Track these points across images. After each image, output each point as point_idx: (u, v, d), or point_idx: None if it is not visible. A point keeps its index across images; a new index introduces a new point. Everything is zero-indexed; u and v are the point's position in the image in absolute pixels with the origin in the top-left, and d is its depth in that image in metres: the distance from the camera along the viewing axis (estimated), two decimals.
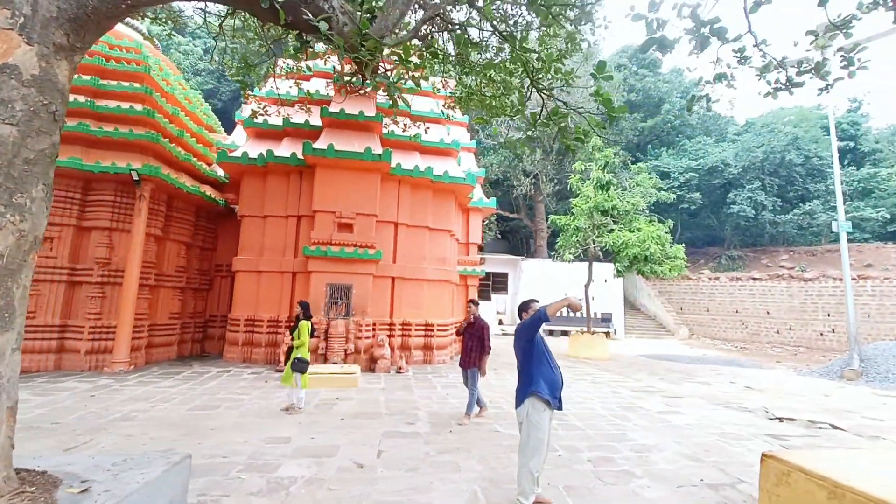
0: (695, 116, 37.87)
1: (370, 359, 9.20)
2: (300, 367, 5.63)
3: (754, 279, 25.69)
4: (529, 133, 6.92)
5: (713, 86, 4.98)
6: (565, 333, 22.48)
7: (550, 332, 22.24)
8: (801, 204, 29.60)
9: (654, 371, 10.74)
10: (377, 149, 9.58)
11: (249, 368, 8.76)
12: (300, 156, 9.66)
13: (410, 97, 11.49)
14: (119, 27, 10.52)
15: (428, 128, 8.79)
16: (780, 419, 6.38)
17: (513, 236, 34.68)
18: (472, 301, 5.95)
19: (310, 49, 4.24)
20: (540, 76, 4.37)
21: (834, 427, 6.00)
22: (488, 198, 13.79)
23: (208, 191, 10.64)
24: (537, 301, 3.52)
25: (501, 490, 3.52)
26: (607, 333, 22.65)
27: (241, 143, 11.02)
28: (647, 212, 14.09)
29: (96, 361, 7.94)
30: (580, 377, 9.33)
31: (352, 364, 8.84)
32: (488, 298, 24.01)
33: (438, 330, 10.60)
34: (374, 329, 9.60)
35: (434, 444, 4.60)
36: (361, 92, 4.57)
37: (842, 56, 4.14)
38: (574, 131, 4.03)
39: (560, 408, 3.30)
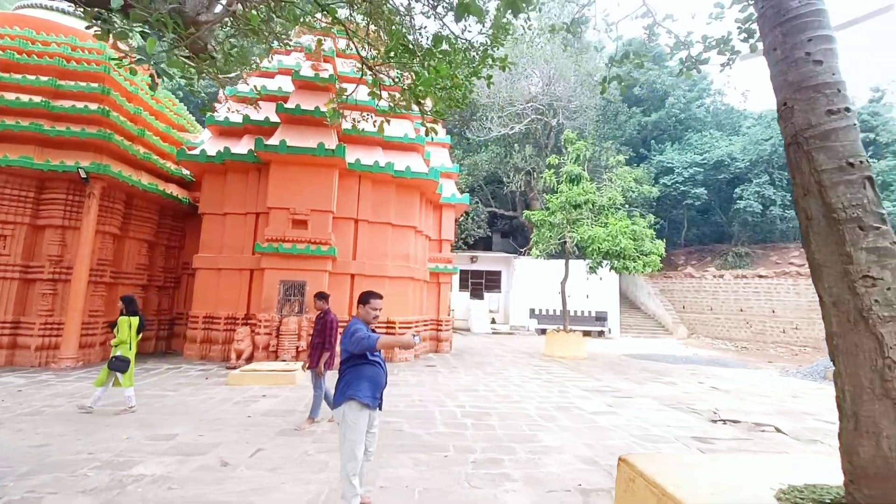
0: (702, 110, 36.78)
1: None
2: (119, 366, 5.23)
3: (760, 277, 24.82)
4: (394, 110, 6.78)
5: (620, 66, 4.69)
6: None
7: (543, 331, 21.78)
8: None
9: (624, 371, 10.36)
10: (331, 144, 9.48)
11: (202, 366, 8.77)
12: None
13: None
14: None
15: (377, 121, 8.61)
16: (725, 421, 6.01)
17: (518, 234, 34.20)
18: (318, 294, 5.45)
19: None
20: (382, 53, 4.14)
21: (777, 430, 5.61)
22: (462, 194, 13.55)
23: (173, 189, 10.73)
24: (380, 298, 3.31)
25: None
26: (601, 332, 22.15)
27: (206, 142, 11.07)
28: (628, 206, 13.64)
29: (46, 357, 8.05)
30: (537, 376, 9.04)
31: (302, 361, 8.75)
32: (481, 297, 23.75)
33: (401, 327, 10.45)
34: None
35: (322, 443, 4.45)
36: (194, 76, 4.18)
37: (739, 27, 3.82)
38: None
39: (380, 408, 3.12)
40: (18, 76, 8.85)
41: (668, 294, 26.93)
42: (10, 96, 8.57)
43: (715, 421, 6.03)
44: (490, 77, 7.67)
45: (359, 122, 9.09)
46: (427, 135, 7.37)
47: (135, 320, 5.52)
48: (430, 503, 3.22)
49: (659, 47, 39.44)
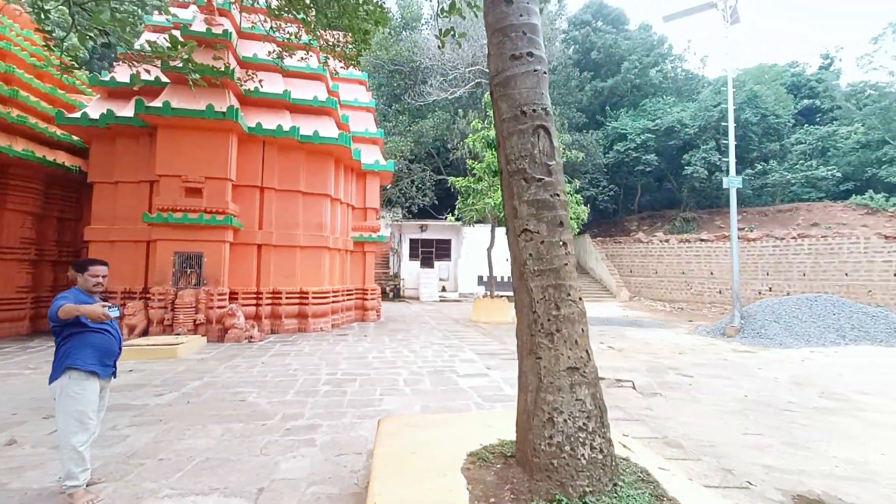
0: (660, 75, 36.71)
1: (223, 329, 8.88)
2: None
3: (702, 240, 25.74)
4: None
5: (448, 17, 4.43)
6: None
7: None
8: (755, 164, 29.28)
9: None
10: (221, 106, 8.90)
11: None
12: None
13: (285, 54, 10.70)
14: None
15: (273, 51, 7.93)
16: None
17: None
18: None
19: None
20: None
21: (633, 387, 5.84)
22: (386, 160, 13.18)
23: (60, 157, 9.96)
24: (102, 265, 3.08)
25: (116, 467, 3.24)
26: None
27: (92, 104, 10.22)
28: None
29: None
30: (443, 341, 9.13)
31: (201, 335, 8.54)
32: (431, 265, 23.76)
33: (314, 298, 10.28)
34: (229, 298, 9.24)
35: (144, 416, 4.32)
36: None
37: None
38: None
39: (114, 375, 3.01)
40: None
41: (618, 259, 27.71)
42: None
43: None
44: (367, 32, 7.24)
45: (246, 79, 8.52)
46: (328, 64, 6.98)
47: None
48: (198, 474, 3.15)
49: (617, 10, 38.85)
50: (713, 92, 31.91)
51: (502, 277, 23.21)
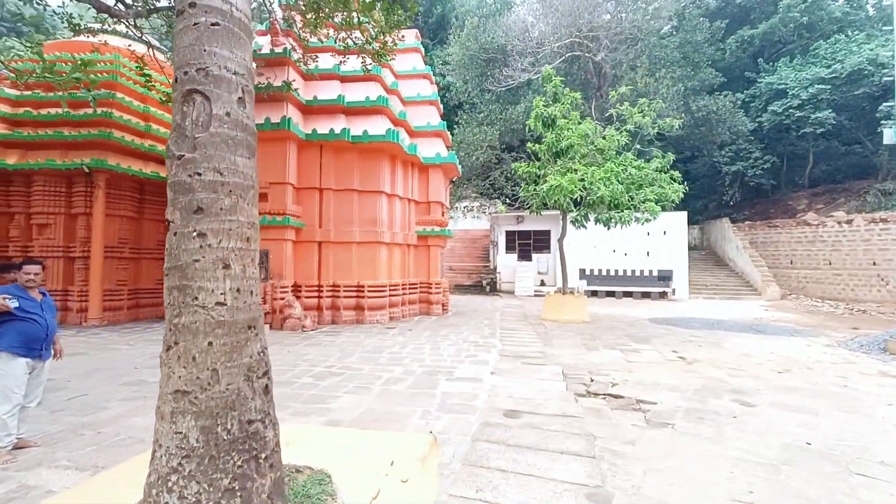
0: (841, 6, 28.16)
1: (283, 318, 9.87)
2: None
3: None
4: None
5: None
6: (628, 294, 20.09)
7: (594, 293, 19.99)
8: None
9: (599, 336, 9.13)
10: (276, 118, 9.82)
11: None
12: None
13: (334, 58, 11.32)
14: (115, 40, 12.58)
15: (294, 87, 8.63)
16: (605, 396, 5.05)
17: None
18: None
19: None
20: None
21: (645, 410, 4.53)
22: (448, 153, 12.88)
23: None
24: (36, 264, 3.58)
25: (64, 434, 3.78)
26: (664, 293, 19.50)
27: None
28: (639, 147, 11.52)
29: (81, 318, 10.27)
30: (477, 339, 8.52)
31: (265, 323, 9.65)
32: (529, 258, 22.66)
33: (370, 291, 10.71)
34: (291, 291, 10.21)
35: (141, 392, 5.01)
36: None
37: None
38: None
39: (41, 357, 3.45)
40: (51, 94, 10.95)
41: (771, 247, 22.40)
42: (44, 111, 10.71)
43: (580, 395, 5.11)
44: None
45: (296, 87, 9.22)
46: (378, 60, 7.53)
47: None
48: (104, 451, 3.46)
49: None
50: None
51: (599, 271, 20.85)
